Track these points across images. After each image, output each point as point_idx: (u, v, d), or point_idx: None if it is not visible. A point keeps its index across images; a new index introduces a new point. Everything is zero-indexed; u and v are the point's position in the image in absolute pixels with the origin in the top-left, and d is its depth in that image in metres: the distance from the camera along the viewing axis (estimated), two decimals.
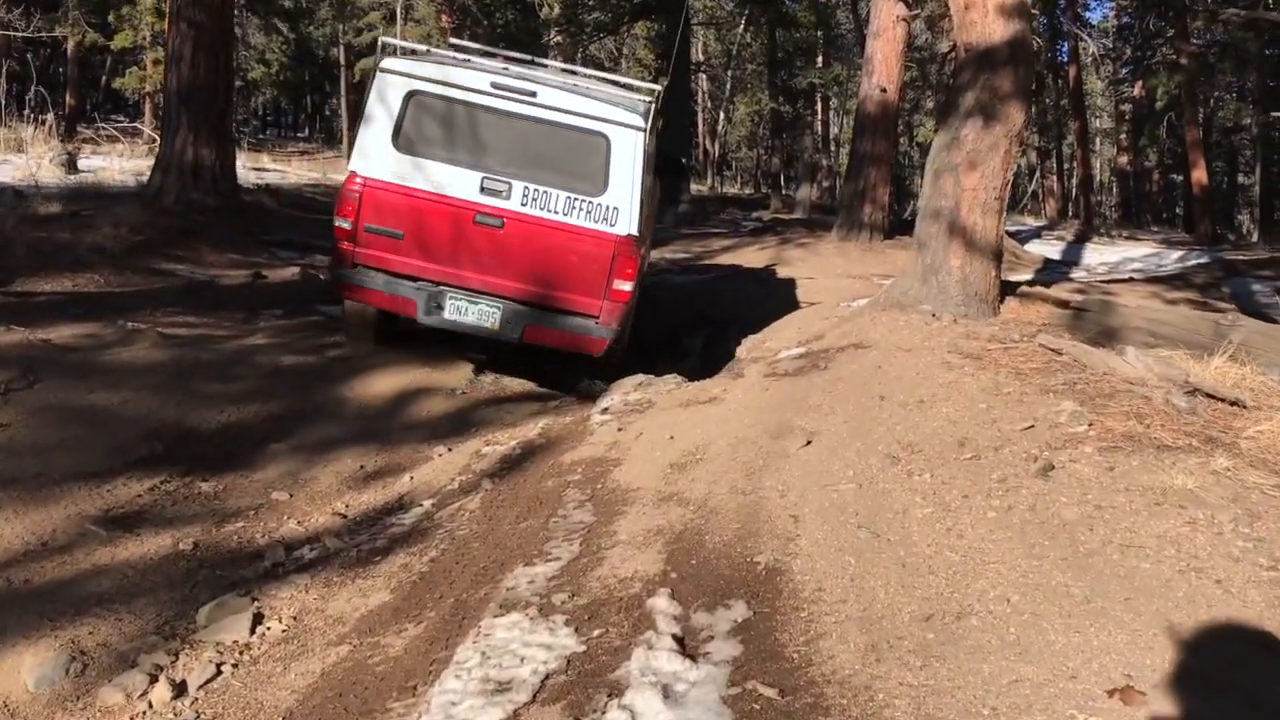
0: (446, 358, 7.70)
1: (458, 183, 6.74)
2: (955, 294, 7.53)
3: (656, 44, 36.11)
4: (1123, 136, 43.54)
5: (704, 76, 46.42)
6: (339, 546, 4.76)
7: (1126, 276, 12.88)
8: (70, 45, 30.70)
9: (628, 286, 6.85)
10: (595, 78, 8.17)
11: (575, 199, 6.75)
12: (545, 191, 6.75)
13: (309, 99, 53.07)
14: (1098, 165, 52.57)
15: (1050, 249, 20.12)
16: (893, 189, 17.03)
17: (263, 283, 9.47)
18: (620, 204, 6.77)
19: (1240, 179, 48.90)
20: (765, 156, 57.77)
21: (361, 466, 5.85)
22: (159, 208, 10.93)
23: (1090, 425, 4.40)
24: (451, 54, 7.30)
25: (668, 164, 23.57)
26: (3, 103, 24.09)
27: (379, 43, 7.59)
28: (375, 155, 6.75)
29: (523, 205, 6.74)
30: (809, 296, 10.24)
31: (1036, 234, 24.70)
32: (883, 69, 15.03)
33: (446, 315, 6.89)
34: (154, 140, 28.86)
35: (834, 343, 7.09)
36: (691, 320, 9.97)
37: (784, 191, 29.94)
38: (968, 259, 7.59)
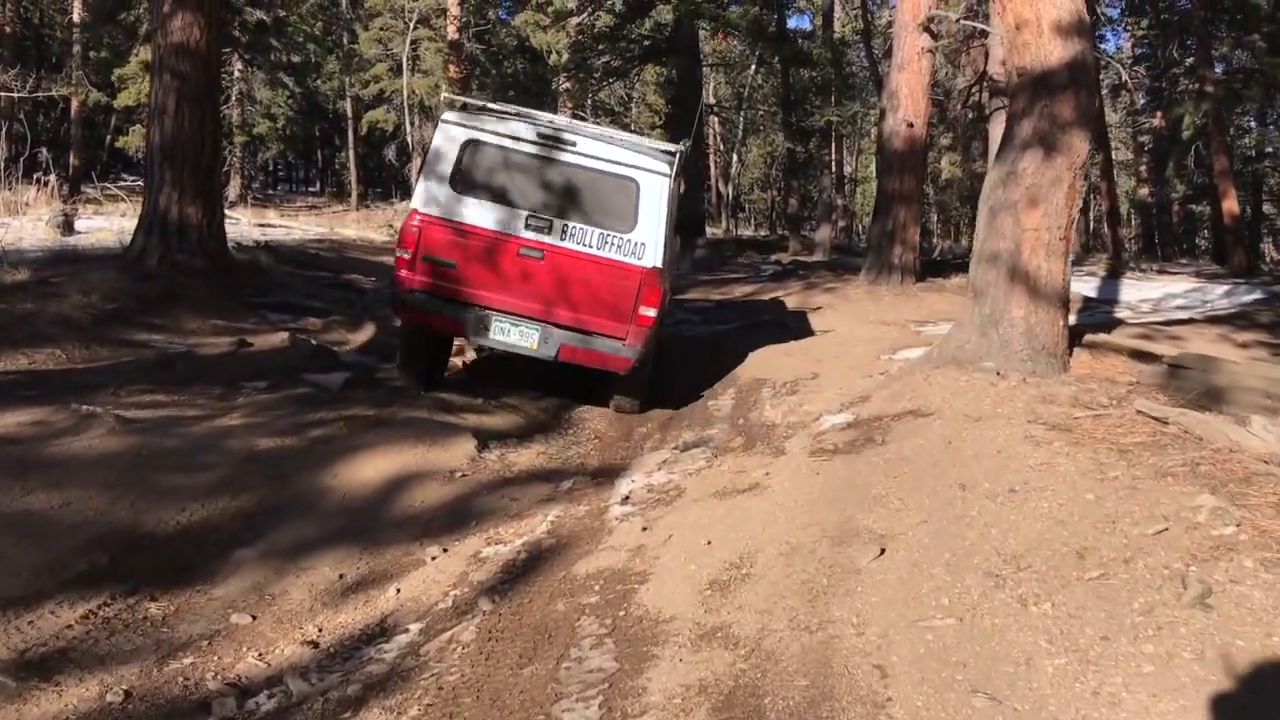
0: (446, 434, 6.84)
1: (506, 219, 7.62)
2: (1020, 348, 6.63)
3: (666, 89, 35.56)
4: (1143, 168, 42.69)
5: (715, 119, 45.90)
6: (304, 692, 3.86)
7: (1187, 317, 11.94)
8: (74, 105, 30.28)
9: (652, 313, 7.58)
10: (628, 137, 9.20)
11: (607, 235, 7.60)
12: (581, 228, 7.61)
13: (319, 154, 52.85)
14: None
15: (1085, 286, 19.15)
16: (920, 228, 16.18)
17: (246, 351, 8.64)
18: (647, 240, 7.59)
19: (1265, 208, 47.96)
20: (779, 198, 57.22)
21: (341, 575, 4.96)
22: (139, 271, 10.14)
23: (1239, 526, 3.48)
24: (502, 109, 8.30)
25: (682, 208, 22.88)
26: (1, 165, 23.57)
27: (443, 98, 9.11)
28: (434, 194, 7.63)
29: (561, 240, 7.60)
30: (845, 348, 9.35)
31: None
32: (908, 103, 14.24)
33: (492, 335, 7.67)
34: None
35: (886, 407, 6.19)
36: (715, 376, 9.08)
37: (802, 233, 29.14)
38: (1032, 308, 6.70)
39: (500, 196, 7.65)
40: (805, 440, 5.81)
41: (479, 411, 7.85)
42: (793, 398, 7.68)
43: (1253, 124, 40.44)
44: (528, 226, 7.60)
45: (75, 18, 30.14)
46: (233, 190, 32.77)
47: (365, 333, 9.85)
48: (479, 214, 7.62)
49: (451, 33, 34.06)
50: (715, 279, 18.34)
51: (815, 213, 41.98)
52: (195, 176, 10.89)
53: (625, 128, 43.78)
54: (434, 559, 5.07)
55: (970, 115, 20.45)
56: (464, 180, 7.65)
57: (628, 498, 5.27)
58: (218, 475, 5.77)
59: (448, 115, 7.91)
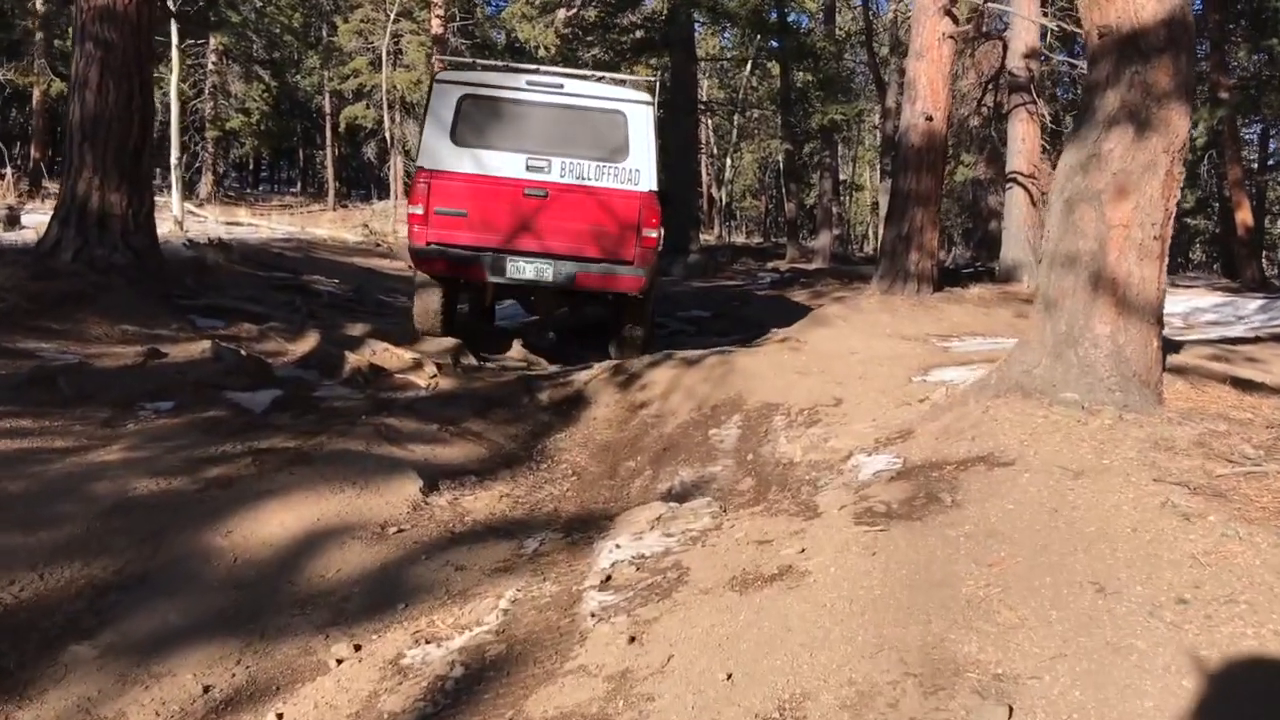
0: (384, 472, 5.44)
1: (507, 165, 8.02)
2: (1106, 374, 5.25)
3: (661, 93, 34.24)
4: None
5: (708, 123, 44.59)
6: None
7: (1243, 334, 10.59)
8: (36, 95, 28.77)
9: (655, 234, 8.09)
10: (607, 76, 9.80)
11: (603, 166, 8.05)
12: (579, 163, 8.05)
13: (300, 153, 51.37)
14: None
15: None
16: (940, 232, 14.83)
17: (156, 364, 7.22)
18: (640, 166, 8.08)
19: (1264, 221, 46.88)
20: (772, 205, 55.92)
21: (206, 689, 3.55)
22: (48, 267, 8.72)
23: None
24: (491, 64, 9.04)
25: (675, 210, 21.49)
26: None
27: (433, 63, 10.98)
28: (437, 151, 8.00)
29: (561, 177, 8.03)
30: (867, 366, 7.96)
31: None
32: (927, 94, 12.89)
33: (509, 274, 8.11)
34: None
35: (942, 450, 4.82)
36: (717, 398, 7.68)
37: (799, 240, 27.79)
38: (1121, 324, 5.32)
39: (499, 144, 8.06)
40: (843, 494, 4.42)
41: (432, 440, 6.46)
42: (814, 429, 6.29)
43: (1253, 136, 39.37)
44: (529, 168, 8.04)
45: (39, 5, 28.63)
46: (204, 187, 31.33)
47: (307, 342, 8.45)
48: (482, 163, 8.03)
49: (435, 26, 32.70)
50: (711, 286, 16.99)
51: (812, 219, 40.70)
52: (120, 160, 9.47)
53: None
54: (339, 663, 3.66)
55: (986, 112, 19.07)
56: (464, 133, 8.03)
57: (609, 578, 3.86)
58: (69, 532, 4.37)
59: (441, 75, 8.45)
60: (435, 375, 8.22)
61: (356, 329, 9.02)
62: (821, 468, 5.55)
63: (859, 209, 52.22)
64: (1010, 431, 4.76)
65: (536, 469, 6.54)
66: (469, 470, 6.12)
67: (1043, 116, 16.60)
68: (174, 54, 20.86)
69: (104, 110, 9.41)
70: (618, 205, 8.08)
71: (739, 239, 44.13)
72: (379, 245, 22.80)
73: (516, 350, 9.64)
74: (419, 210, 8.02)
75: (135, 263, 9.26)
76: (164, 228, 20.76)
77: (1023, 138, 15.73)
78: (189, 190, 31.19)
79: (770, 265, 22.79)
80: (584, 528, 5.29)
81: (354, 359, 8.08)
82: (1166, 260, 5.55)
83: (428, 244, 8.06)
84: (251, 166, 54.52)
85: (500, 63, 9.18)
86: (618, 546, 4.36)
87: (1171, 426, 4.63)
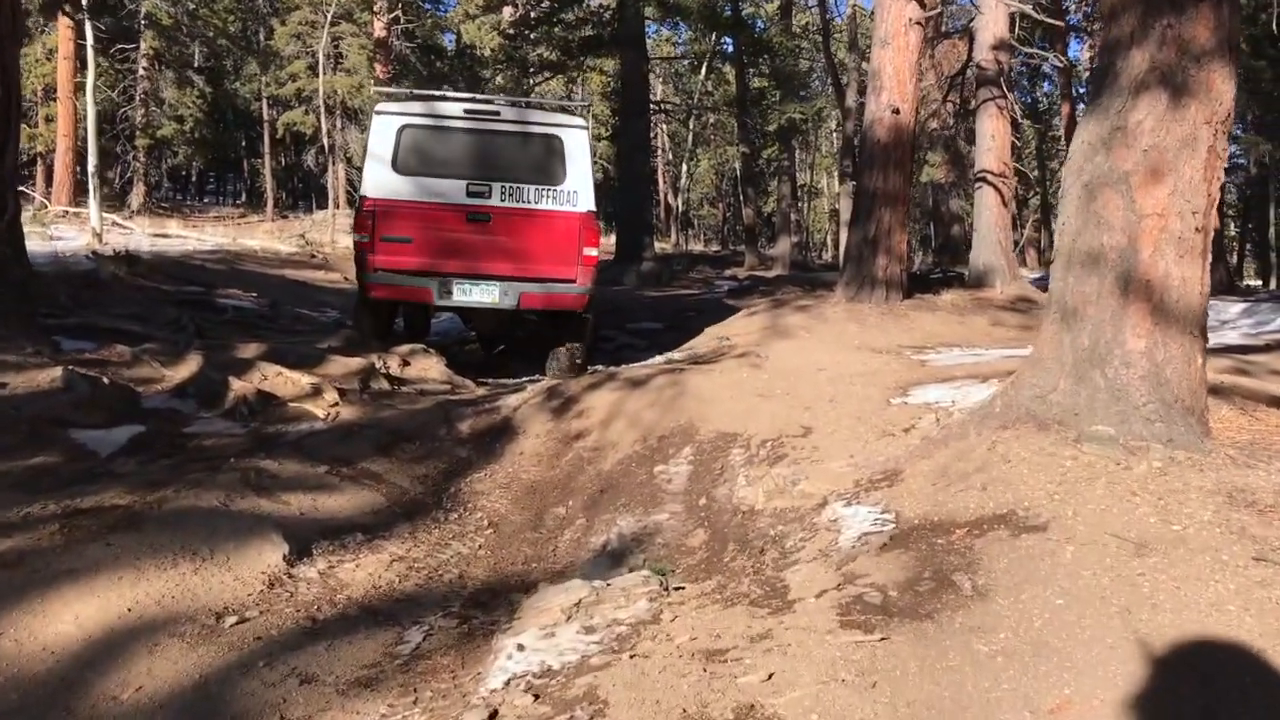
0: (238, 536, 4.28)
1: (449, 191, 8.15)
2: (1143, 400, 4.19)
3: (613, 99, 33.02)
4: None
5: (663, 128, 43.61)
6: None
7: (1261, 343, 9.59)
8: None
9: (594, 252, 8.32)
10: (542, 102, 10.39)
11: (542, 189, 8.22)
12: (518, 187, 8.21)
13: (245, 162, 49.73)
14: None
15: None
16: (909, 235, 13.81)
17: None
18: (578, 188, 8.25)
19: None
20: (730, 213, 55.01)
21: None
22: None
23: None
24: (428, 94, 9.02)
25: (628, 216, 20.36)
26: None
27: (373, 93, 10.53)
28: (380, 180, 8.08)
29: (502, 201, 8.19)
30: (839, 386, 6.89)
31: (1044, 283, 21.66)
32: (893, 84, 11.87)
33: (455, 297, 8.24)
34: (44, 206, 25.42)
35: (944, 502, 3.74)
36: (665, 425, 6.58)
37: (758, 247, 26.78)
38: (1159, 337, 4.27)
39: (440, 171, 8.18)
40: (821, 571, 3.32)
41: (317, 487, 5.29)
42: (780, 468, 5.19)
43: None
44: (469, 194, 8.17)
45: None
46: (135, 198, 29.81)
47: (188, 366, 7.24)
48: (424, 190, 8.15)
49: (378, 30, 31.43)
50: (665, 295, 15.89)
51: (770, 227, 39.80)
52: None
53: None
54: None
55: (947, 114, 18.12)
56: (405, 162, 8.15)
57: (494, 715, 2.72)
58: None
59: (381, 106, 8.50)
60: (337, 403, 7.04)
61: (250, 350, 7.81)
62: (789, 519, 4.45)
63: (817, 216, 51.42)
64: (1032, 478, 3.68)
65: (445, 520, 5.39)
66: (357, 526, 4.97)
67: (1013, 111, 15.68)
68: (89, 54, 19.48)
69: None
70: (558, 226, 8.27)
71: (697, 247, 43.14)
72: (314, 256, 21.49)
73: (438, 370, 8.46)
74: (365, 238, 8.11)
75: None
76: (80, 240, 19.53)
77: (992, 134, 14.76)
78: (119, 201, 29.71)
79: (728, 273, 21.74)
80: (489, 606, 4.15)
81: (239, 386, 6.89)
82: (1210, 258, 4.51)
83: (375, 270, 8.14)
84: (195, 178, 52.73)
85: (436, 91, 9.57)
86: (520, 648, 3.22)
87: (1242, 471, 3.57)
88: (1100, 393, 4.27)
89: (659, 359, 9.58)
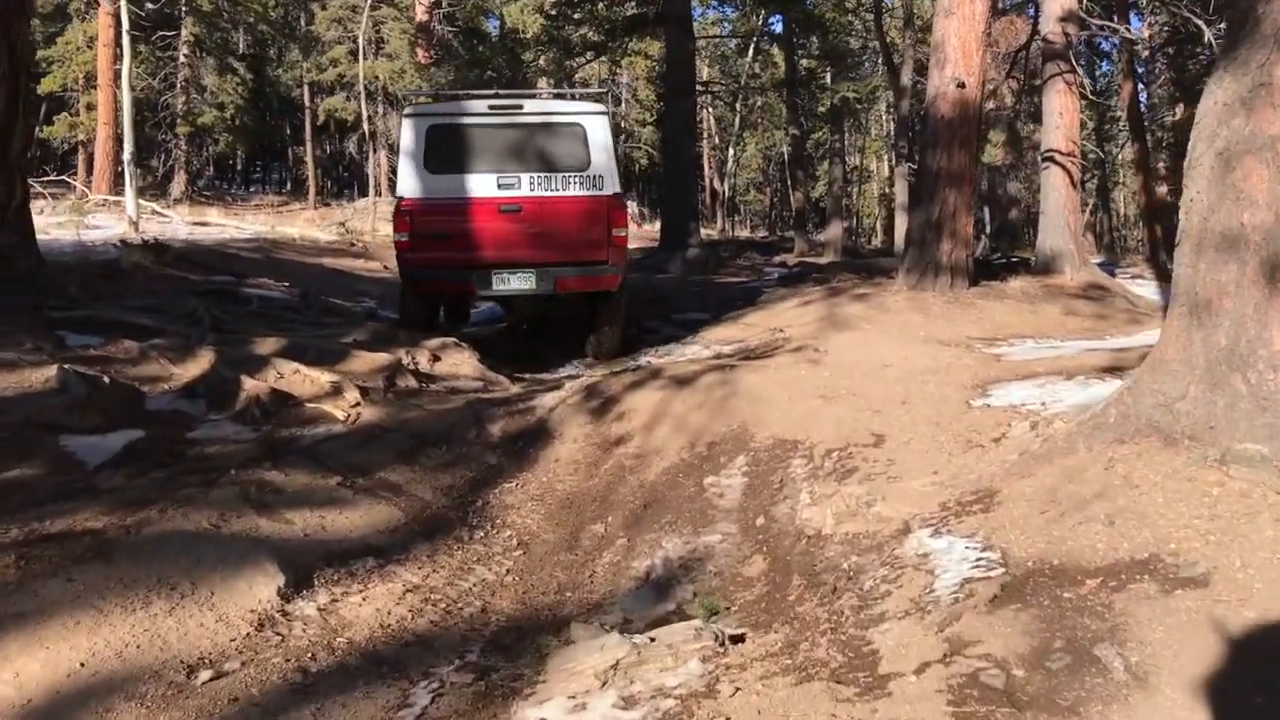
0: (225, 566, 3.70)
1: (480, 186, 8.39)
2: None
3: (659, 85, 32.17)
4: (1162, 164, 39.69)
5: (709, 112, 42.77)
6: None
7: None
8: None
9: (624, 232, 8.57)
10: (561, 91, 11.94)
11: (568, 176, 8.44)
12: (546, 176, 8.42)
13: (290, 150, 49.58)
14: (1121, 198, 48.75)
15: (1146, 291, 16.04)
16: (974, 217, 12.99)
17: None
18: (603, 172, 8.49)
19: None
20: (777, 198, 54.02)
21: None
22: None
23: None
24: (452, 94, 10.17)
25: (673, 202, 19.65)
26: None
27: (402, 97, 12.42)
28: (414, 180, 8.35)
29: (532, 191, 8.39)
30: (910, 385, 6.18)
31: (1110, 270, 20.63)
32: (958, 56, 11.08)
33: (495, 287, 8.39)
34: (85, 195, 25.18)
35: (1061, 537, 3.06)
36: (715, 430, 5.93)
37: (808, 233, 25.94)
38: None
39: (470, 167, 8.38)
40: (918, 632, 2.66)
41: (327, 502, 4.72)
42: (850, 484, 4.51)
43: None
44: (500, 186, 8.34)
45: None
46: (177, 186, 29.57)
47: (199, 363, 6.69)
48: (456, 186, 8.34)
49: (420, 14, 30.94)
50: (712, 283, 15.20)
51: (819, 212, 38.88)
52: None
53: (616, 123, 40.60)
54: None
55: (1014, 89, 17.20)
56: (436, 161, 8.34)
57: None
58: None
59: (409, 110, 8.95)
60: (358, 404, 6.46)
61: (268, 345, 7.25)
62: (865, 548, 3.79)
63: (866, 201, 50.29)
64: (1172, 511, 3.00)
65: (469, 539, 4.79)
66: (369, 548, 4.39)
67: (1082, 87, 14.78)
68: (125, 40, 19.12)
69: None
70: (587, 210, 8.45)
71: (743, 233, 42.28)
72: (353, 245, 21.03)
73: (471, 366, 7.86)
74: (405, 237, 8.30)
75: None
76: (116, 229, 19.20)
77: (1060, 111, 13.85)
78: (161, 190, 29.50)
79: (777, 259, 21.00)
80: (513, 650, 3.55)
81: (251, 386, 6.33)
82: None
83: (416, 268, 8.37)
84: (240, 166, 52.64)
85: (462, 93, 9.87)
86: None
87: None
88: (1242, 401, 3.56)
89: (707, 353, 8.92)
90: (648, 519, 4.99)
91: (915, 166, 18.22)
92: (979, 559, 3.16)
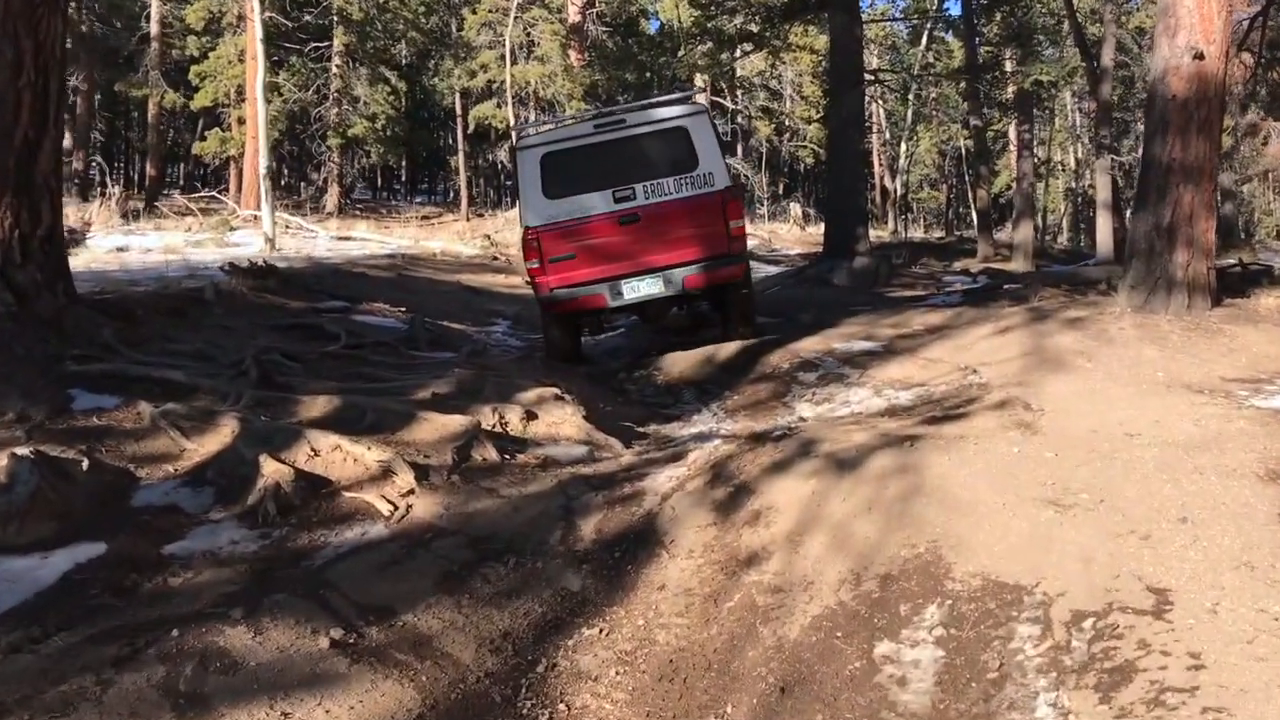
0: None
1: (597, 203, 8.77)
2: None
3: (824, 80, 29.98)
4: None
5: (879, 105, 40.22)
6: None
7: None
8: (151, 109, 27.15)
9: (741, 223, 8.96)
10: (657, 100, 11.52)
11: (680, 179, 8.77)
12: (658, 182, 8.77)
13: (448, 160, 49.47)
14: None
15: None
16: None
17: None
18: (712, 169, 8.80)
19: None
20: (953, 195, 50.82)
21: None
22: None
23: None
24: (559, 119, 11.27)
25: (837, 203, 17.66)
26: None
27: (514, 128, 12.24)
28: (536, 208, 8.74)
29: (647, 199, 8.75)
30: (1178, 480, 4.18)
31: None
32: (1194, 20, 8.80)
33: (626, 296, 8.77)
34: (234, 211, 24.91)
35: None
36: (884, 553, 4.08)
37: (991, 233, 23.37)
38: None
39: (586, 186, 8.68)
40: None
41: (302, 683, 3.16)
42: (1130, 692, 2.62)
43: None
44: (616, 200, 8.70)
45: (154, 12, 27.02)
46: (330, 199, 29.21)
47: (217, 437, 5.27)
48: (576, 207, 8.66)
49: (573, 15, 29.77)
50: (883, 298, 13.18)
51: (1000, 210, 35.92)
52: (10, 170, 6.52)
53: (779, 121, 38.57)
54: None
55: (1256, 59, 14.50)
56: (553, 186, 8.67)
57: None
58: None
59: (521, 141, 9.70)
60: (411, 491, 4.90)
61: (316, 405, 5.76)
62: None
63: (1052, 196, 46.66)
64: None
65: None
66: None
67: None
68: (259, 51, 18.42)
69: None
70: (702, 209, 8.70)
71: (917, 234, 39.59)
72: (496, 259, 19.86)
73: (574, 425, 6.19)
74: (535, 264, 8.67)
75: (20, 306, 6.29)
76: (254, 246, 18.55)
77: None
78: (315, 203, 29.21)
79: (958, 266, 18.75)
80: None
81: (271, 470, 4.83)
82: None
83: (551, 290, 8.70)
84: (403, 177, 52.96)
85: (567, 116, 10.19)
86: None
87: None
88: None
89: (877, 402, 7.01)
90: (785, 714, 3.22)
91: (1118, 159, 15.77)
92: None
